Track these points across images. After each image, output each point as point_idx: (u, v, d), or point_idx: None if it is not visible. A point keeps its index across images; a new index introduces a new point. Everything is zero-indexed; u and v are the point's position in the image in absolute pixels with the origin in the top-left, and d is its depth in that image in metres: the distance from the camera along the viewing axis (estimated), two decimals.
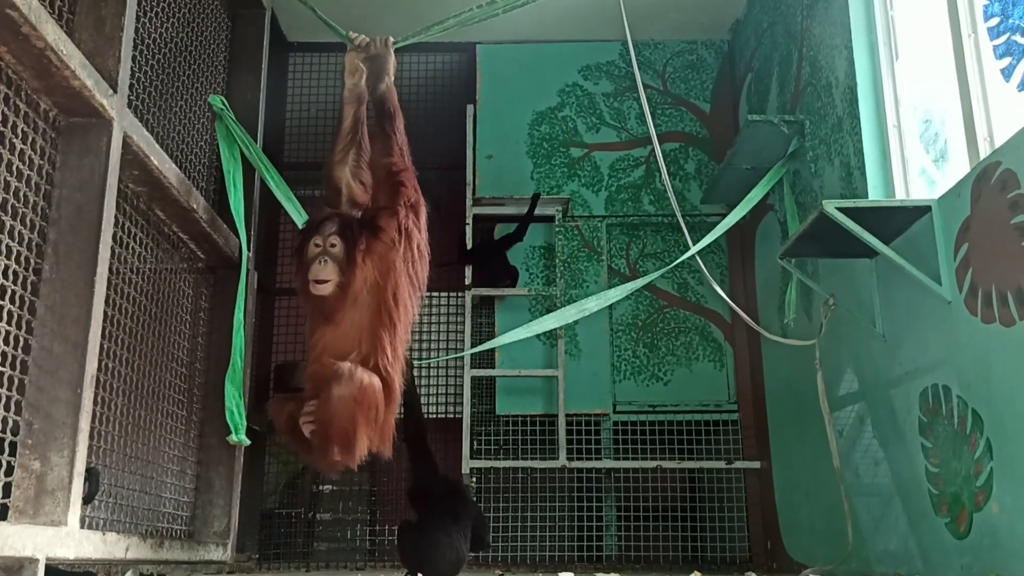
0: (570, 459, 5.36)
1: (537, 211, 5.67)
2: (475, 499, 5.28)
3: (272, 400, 3.28)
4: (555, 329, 5.35)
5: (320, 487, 5.81)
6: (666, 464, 5.39)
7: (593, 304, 4.40)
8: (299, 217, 3.84)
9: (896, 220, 3.39)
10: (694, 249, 4.35)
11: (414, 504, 3.54)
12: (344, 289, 2.89)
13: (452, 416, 5.63)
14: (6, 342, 2.38)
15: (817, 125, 4.41)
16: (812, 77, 4.48)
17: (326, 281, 2.89)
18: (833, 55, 4.19)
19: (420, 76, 6.24)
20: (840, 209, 3.35)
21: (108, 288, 2.79)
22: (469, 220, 5.70)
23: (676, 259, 4.76)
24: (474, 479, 5.38)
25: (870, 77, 3.94)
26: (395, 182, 3.03)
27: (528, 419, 5.56)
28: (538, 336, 5.42)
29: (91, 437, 2.64)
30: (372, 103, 3.21)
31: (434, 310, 5.83)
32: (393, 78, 3.21)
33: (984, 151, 3.13)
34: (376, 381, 2.82)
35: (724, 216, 4.68)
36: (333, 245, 2.91)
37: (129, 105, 2.91)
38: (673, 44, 6.15)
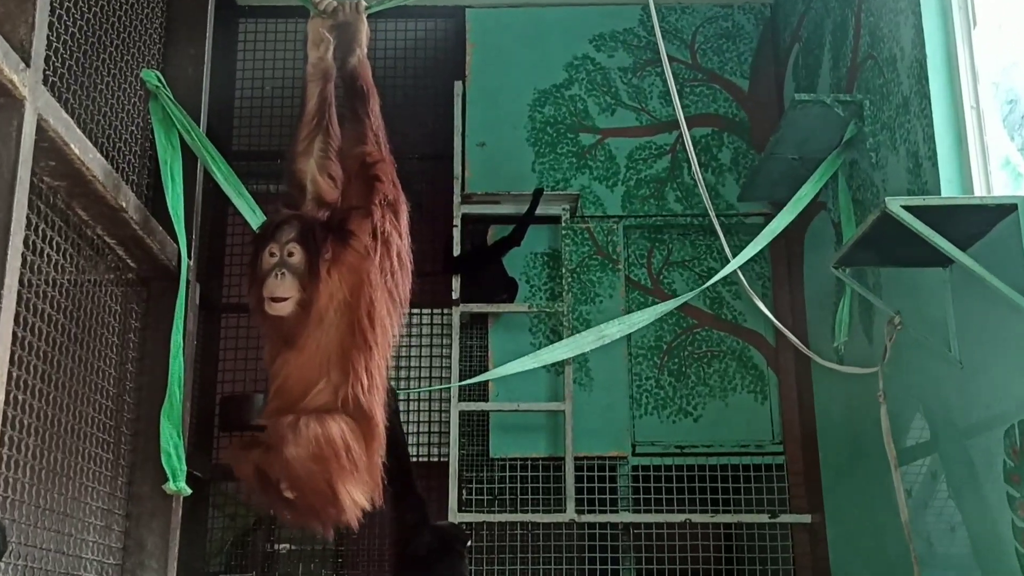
0: (580, 512, 5.34)
1: (539, 210, 5.68)
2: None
3: (232, 447, 3.27)
4: None
5: (276, 546, 5.79)
6: (696, 518, 5.37)
7: (615, 330, 4.40)
8: (253, 217, 3.84)
9: (975, 221, 3.39)
10: (735, 263, 4.35)
11: (399, 565, 3.53)
12: (306, 307, 2.88)
13: (436, 459, 5.61)
14: None
15: (878, 106, 4.42)
16: (872, 48, 4.49)
17: (284, 299, 2.87)
18: (898, 21, 4.21)
19: (398, 47, 6.26)
20: (906, 208, 3.35)
21: (18, 304, 2.78)
22: (457, 221, 5.70)
23: (708, 269, 4.77)
24: None
25: (943, 48, 3.94)
26: (369, 176, 3.02)
27: (529, 463, 5.54)
28: (545, 364, 5.41)
29: None
30: (341, 80, 3.21)
31: (414, 330, 5.82)
32: (366, 50, 3.22)
33: None
34: (333, 425, 2.81)
35: (765, 216, 4.69)
36: (291, 254, 2.90)
37: (45, 82, 2.90)
38: (704, 8, 6.17)
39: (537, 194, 5.65)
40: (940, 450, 3.83)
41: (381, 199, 2.99)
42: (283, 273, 2.88)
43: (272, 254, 2.92)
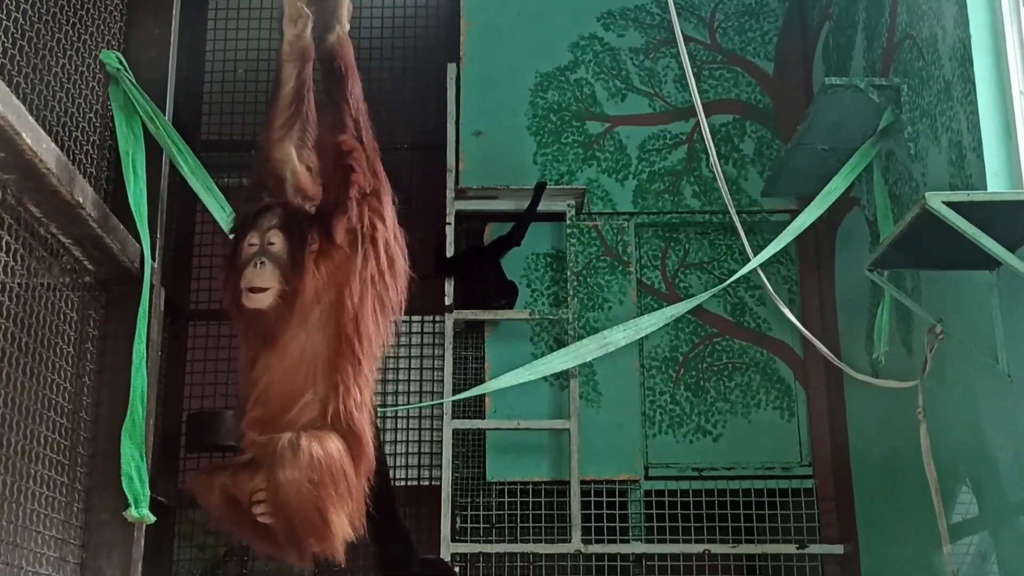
0: (586, 542, 5.34)
1: (542, 207, 5.68)
2: None
3: (196, 474, 3.25)
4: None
5: None
6: (716, 549, 5.37)
7: (620, 336, 4.40)
8: (223, 214, 3.84)
9: None
10: (755, 262, 4.35)
11: None
12: (288, 302, 2.86)
13: (427, 483, 5.61)
14: None
15: (918, 92, 4.42)
16: (910, 27, 4.50)
17: (263, 289, 2.85)
18: None
19: (385, 25, 6.27)
20: (949, 204, 3.35)
21: None
22: (450, 219, 5.71)
23: (728, 272, 4.77)
24: (457, 568, 5.36)
25: (988, 27, 3.94)
26: (343, 166, 2.98)
27: (530, 487, 5.54)
28: (543, 376, 5.41)
29: None
30: (318, 61, 3.20)
31: (402, 339, 5.83)
32: (347, 26, 3.20)
33: None
34: (331, 445, 2.81)
35: (792, 213, 4.69)
36: (273, 243, 2.88)
37: None
38: None
39: (539, 189, 5.65)
40: (985, 458, 3.83)
41: (356, 192, 2.95)
42: (263, 262, 2.86)
43: (252, 244, 2.90)
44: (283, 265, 2.87)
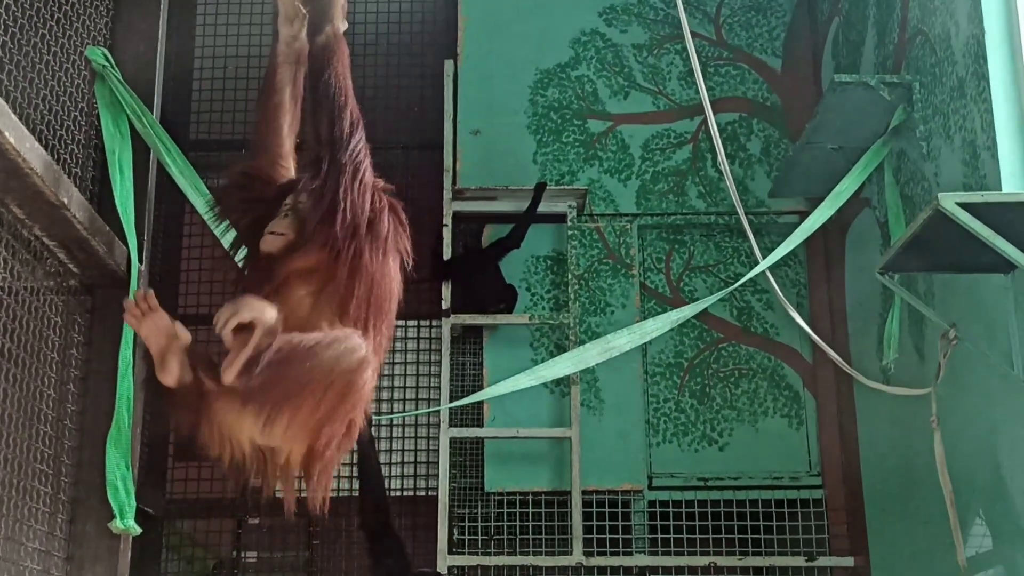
0: (588, 554, 5.33)
1: (542, 208, 5.68)
2: None
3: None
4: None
5: None
6: (722, 561, 5.36)
7: (624, 341, 4.39)
8: (211, 215, 3.83)
9: None
10: (763, 265, 4.35)
11: None
12: (295, 251, 2.89)
13: (423, 493, 5.60)
14: None
15: (930, 89, 4.43)
16: (922, 23, 4.50)
17: (281, 234, 2.93)
18: None
19: (380, 21, 6.26)
20: (962, 205, 3.35)
21: None
22: (447, 220, 5.70)
23: (735, 275, 4.77)
24: None
25: (1003, 23, 3.95)
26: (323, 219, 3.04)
27: (530, 498, 5.54)
28: (544, 383, 5.41)
29: None
30: (308, 60, 3.18)
31: (398, 344, 5.82)
32: (344, 25, 3.12)
33: None
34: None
35: (800, 215, 4.70)
36: (301, 202, 2.95)
37: None
38: None
39: (539, 189, 5.65)
40: (1002, 468, 3.82)
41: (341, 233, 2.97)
42: (287, 214, 2.96)
43: (285, 203, 2.99)
44: (302, 220, 2.92)
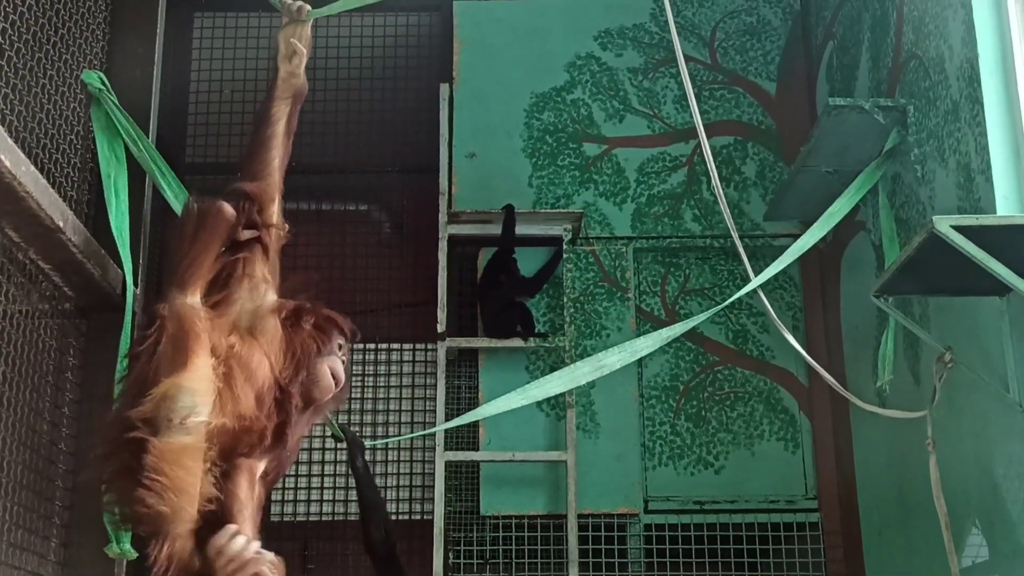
0: None
1: (540, 231, 5.70)
2: None
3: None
4: (562, 395, 5.33)
5: None
6: None
7: (615, 359, 4.37)
8: None
9: None
10: (755, 282, 4.35)
11: None
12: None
13: (419, 517, 5.58)
14: None
15: (924, 113, 4.44)
16: (916, 46, 4.52)
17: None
18: (946, 16, 4.23)
19: (376, 45, 6.28)
20: (957, 228, 3.35)
21: None
22: (443, 244, 5.70)
23: (731, 296, 4.76)
24: None
25: (997, 46, 3.96)
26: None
27: (525, 522, 5.52)
28: (539, 406, 5.40)
29: None
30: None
31: (394, 368, 5.81)
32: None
33: None
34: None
35: (795, 237, 4.69)
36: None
37: None
38: (725, 1, 6.21)
39: (509, 211, 5.63)
40: (996, 494, 3.82)
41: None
42: None
43: None
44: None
